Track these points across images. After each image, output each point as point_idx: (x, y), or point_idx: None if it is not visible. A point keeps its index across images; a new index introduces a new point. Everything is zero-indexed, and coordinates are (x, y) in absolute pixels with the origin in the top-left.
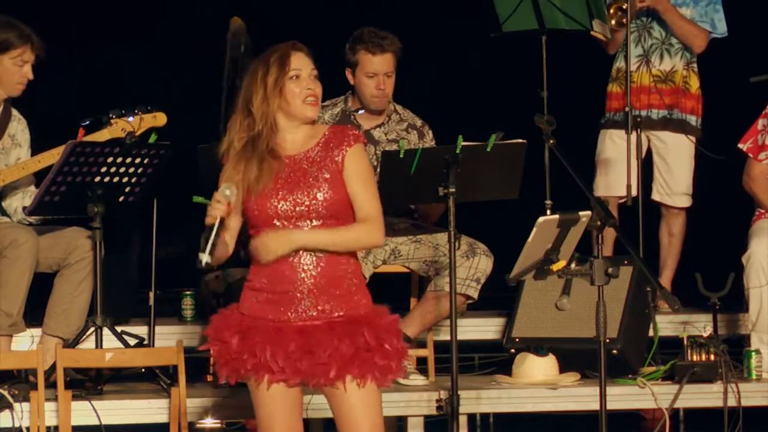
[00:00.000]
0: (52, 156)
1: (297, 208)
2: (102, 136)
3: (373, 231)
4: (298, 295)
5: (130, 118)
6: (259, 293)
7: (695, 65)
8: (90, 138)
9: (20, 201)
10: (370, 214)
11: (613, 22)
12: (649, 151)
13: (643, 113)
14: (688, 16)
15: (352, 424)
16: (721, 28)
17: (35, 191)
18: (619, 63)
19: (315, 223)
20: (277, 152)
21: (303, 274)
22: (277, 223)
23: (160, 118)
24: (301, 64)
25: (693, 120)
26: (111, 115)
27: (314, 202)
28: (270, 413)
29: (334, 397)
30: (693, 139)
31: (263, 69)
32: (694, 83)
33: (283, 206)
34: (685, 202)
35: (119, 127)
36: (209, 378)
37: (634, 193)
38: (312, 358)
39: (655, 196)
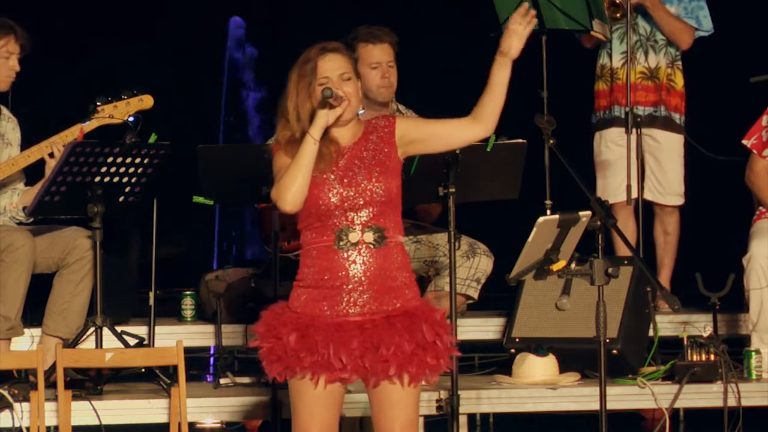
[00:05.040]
0: (40, 150)
1: (350, 200)
2: (90, 125)
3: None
4: (352, 288)
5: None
6: (313, 290)
7: (680, 63)
8: (75, 127)
9: (8, 199)
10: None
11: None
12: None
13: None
14: (672, 13)
15: (389, 419)
16: (707, 25)
17: (24, 189)
18: (603, 60)
19: (367, 212)
20: (332, 136)
21: (356, 268)
22: (336, 216)
23: (146, 101)
24: (329, 68)
25: (677, 118)
26: (97, 103)
27: (372, 187)
28: (311, 411)
29: (377, 392)
30: (681, 137)
31: (296, 75)
32: (679, 81)
33: (339, 197)
34: (678, 200)
35: (106, 113)
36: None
37: (634, 194)
38: (375, 355)
39: (647, 195)
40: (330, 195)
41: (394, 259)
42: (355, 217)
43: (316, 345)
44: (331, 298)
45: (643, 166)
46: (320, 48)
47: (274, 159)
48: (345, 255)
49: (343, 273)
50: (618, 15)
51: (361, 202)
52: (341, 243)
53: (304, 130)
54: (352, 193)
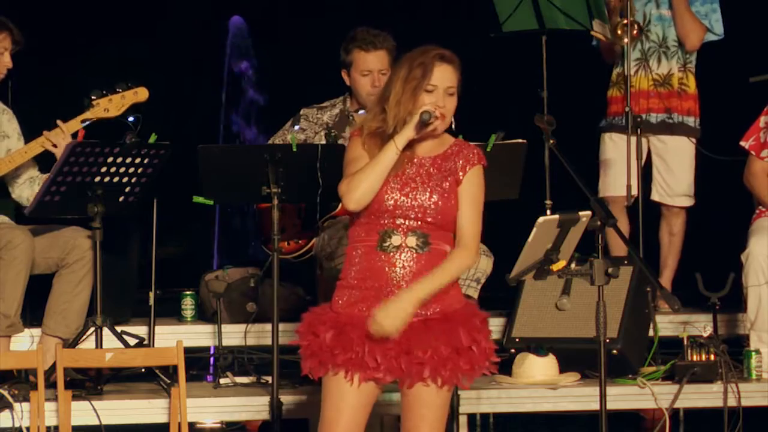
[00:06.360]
0: (38, 145)
1: (403, 209)
2: (83, 116)
3: (468, 257)
4: (390, 291)
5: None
6: (354, 290)
7: (692, 66)
8: (72, 121)
9: (29, 189)
10: (468, 237)
11: (625, 40)
12: (648, 152)
13: (642, 117)
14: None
15: (418, 418)
16: (718, 29)
17: (41, 177)
18: (619, 68)
19: (415, 223)
20: (411, 143)
21: (399, 271)
22: (385, 218)
23: (141, 93)
24: (441, 78)
25: (691, 121)
26: (92, 97)
27: (427, 204)
28: (338, 409)
29: (409, 392)
30: (693, 140)
31: (405, 72)
32: (692, 84)
33: (393, 202)
34: (687, 202)
35: (102, 107)
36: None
37: (634, 193)
38: (410, 356)
39: (654, 197)
40: (386, 197)
41: (437, 265)
42: (403, 223)
43: (352, 343)
44: (371, 300)
45: (650, 169)
46: (438, 54)
47: (350, 144)
48: (386, 257)
49: (384, 275)
50: (635, 35)
51: (412, 215)
52: (384, 245)
53: (396, 128)
54: (407, 204)
